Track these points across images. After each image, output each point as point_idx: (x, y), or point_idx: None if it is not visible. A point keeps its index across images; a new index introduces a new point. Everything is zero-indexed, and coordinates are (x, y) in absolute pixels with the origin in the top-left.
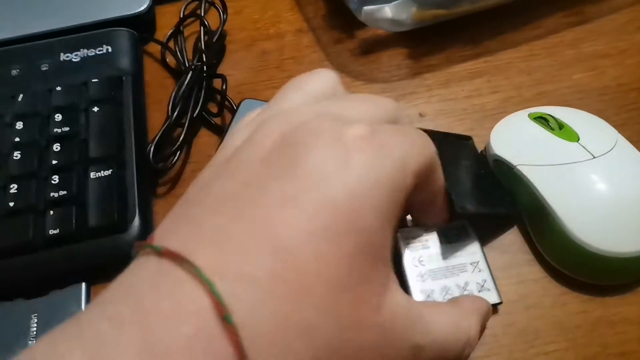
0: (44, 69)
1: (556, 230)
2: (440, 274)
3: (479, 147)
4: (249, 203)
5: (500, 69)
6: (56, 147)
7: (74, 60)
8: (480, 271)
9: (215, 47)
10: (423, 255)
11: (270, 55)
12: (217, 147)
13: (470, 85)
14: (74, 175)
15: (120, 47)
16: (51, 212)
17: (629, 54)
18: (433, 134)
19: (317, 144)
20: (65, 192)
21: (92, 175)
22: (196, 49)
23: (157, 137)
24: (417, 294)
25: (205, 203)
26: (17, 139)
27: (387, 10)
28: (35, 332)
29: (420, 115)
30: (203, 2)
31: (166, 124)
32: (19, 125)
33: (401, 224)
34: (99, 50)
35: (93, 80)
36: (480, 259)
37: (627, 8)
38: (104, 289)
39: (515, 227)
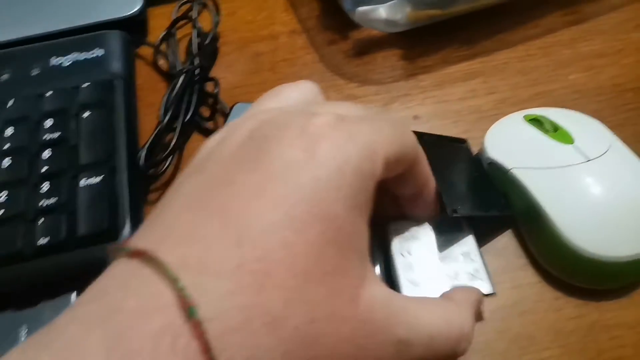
0: (35, 73)
1: (550, 234)
2: (430, 264)
3: (475, 150)
4: (216, 197)
5: (497, 70)
6: (46, 153)
7: (64, 64)
8: (472, 261)
9: (208, 49)
10: (412, 246)
11: (264, 57)
12: None
13: (465, 86)
14: (64, 182)
15: (111, 50)
16: (41, 221)
17: (625, 53)
18: (426, 137)
19: (282, 135)
20: (55, 200)
21: (83, 182)
22: (188, 52)
23: (149, 142)
24: (405, 285)
25: (176, 202)
26: (7, 145)
27: (382, 11)
28: None
29: (415, 117)
30: (195, 3)
31: (158, 129)
32: (9, 131)
33: (392, 217)
34: (90, 54)
35: (84, 84)
36: (472, 249)
37: (623, 7)
38: None
39: (509, 231)
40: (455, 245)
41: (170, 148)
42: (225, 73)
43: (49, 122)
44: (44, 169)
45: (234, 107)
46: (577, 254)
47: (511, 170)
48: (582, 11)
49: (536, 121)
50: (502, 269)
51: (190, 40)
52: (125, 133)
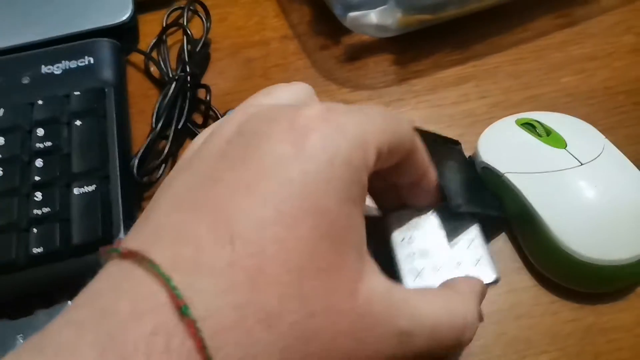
0: (25, 82)
1: (544, 238)
2: (432, 253)
3: (467, 154)
4: (206, 195)
5: (489, 73)
6: (38, 162)
7: (55, 72)
8: (475, 248)
9: (199, 56)
10: (413, 234)
11: (255, 63)
12: None
13: (458, 90)
14: (57, 191)
15: (102, 58)
16: (34, 230)
17: (617, 56)
18: (424, 134)
19: (270, 130)
20: (48, 209)
21: (76, 190)
22: (180, 59)
23: (142, 150)
24: (407, 274)
25: (165, 201)
26: None
27: (372, 16)
28: None
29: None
30: (186, 10)
31: (150, 136)
32: (0, 140)
33: (393, 207)
34: (81, 62)
35: (75, 92)
36: (475, 236)
37: (613, 10)
38: None
39: (504, 235)
40: (458, 233)
41: (163, 155)
42: (217, 79)
43: (40, 131)
44: (36, 178)
45: (227, 114)
46: (571, 257)
47: (505, 175)
48: (573, 14)
49: (529, 125)
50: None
51: (182, 46)
52: (118, 141)
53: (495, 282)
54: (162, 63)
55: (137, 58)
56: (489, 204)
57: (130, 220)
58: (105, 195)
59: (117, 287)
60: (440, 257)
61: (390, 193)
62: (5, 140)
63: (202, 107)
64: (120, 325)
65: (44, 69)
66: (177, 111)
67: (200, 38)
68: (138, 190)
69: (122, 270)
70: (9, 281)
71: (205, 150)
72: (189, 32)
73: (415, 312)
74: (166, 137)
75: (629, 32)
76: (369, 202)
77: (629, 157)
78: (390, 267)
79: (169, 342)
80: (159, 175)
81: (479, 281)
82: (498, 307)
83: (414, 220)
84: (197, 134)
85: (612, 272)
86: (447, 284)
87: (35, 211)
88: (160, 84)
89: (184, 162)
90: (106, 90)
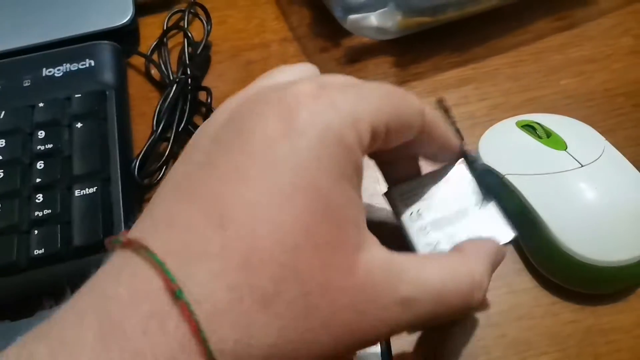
0: (26, 84)
1: (545, 239)
2: (444, 223)
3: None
4: (199, 181)
5: (488, 76)
6: (39, 164)
7: (56, 75)
8: (487, 210)
9: (200, 58)
10: (421, 207)
11: (256, 66)
12: None
13: (458, 92)
14: (58, 193)
15: (103, 60)
16: (35, 232)
17: (615, 58)
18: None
19: (260, 110)
20: (49, 211)
21: (77, 192)
22: (180, 61)
23: (142, 152)
24: (423, 248)
25: (164, 190)
26: (0, 158)
27: (373, 19)
28: None
29: None
30: (186, 13)
31: (151, 139)
32: (1, 143)
33: (393, 182)
34: (82, 65)
35: (76, 95)
36: (484, 197)
37: (612, 13)
38: None
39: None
40: (465, 197)
41: (164, 158)
42: (218, 82)
43: (41, 134)
44: (37, 181)
45: None
46: (572, 259)
47: (505, 176)
48: (572, 17)
49: (529, 127)
50: (498, 275)
51: (182, 49)
52: (119, 143)
53: (514, 241)
54: (162, 66)
55: (137, 61)
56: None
57: (131, 222)
58: (106, 197)
59: (117, 275)
60: (453, 225)
61: (404, 164)
62: (6, 143)
63: (203, 109)
64: (119, 309)
65: (45, 72)
66: (177, 113)
67: (201, 41)
68: (139, 192)
69: (122, 259)
70: (10, 283)
71: (201, 138)
72: (189, 34)
73: (417, 278)
74: (167, 140)
75: (627, 35)
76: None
77: (628, 159)
78: (404, 243)
79: (164, 325)
80: (159, 178)
81: (491, 241)
82: (498, 309)
83: (418, 192)
84: None
85: (612, 273)
86: (456, 247)
87: (36, 213)
88: (161, 86)
89: (184, 152)
90: (107, 92)
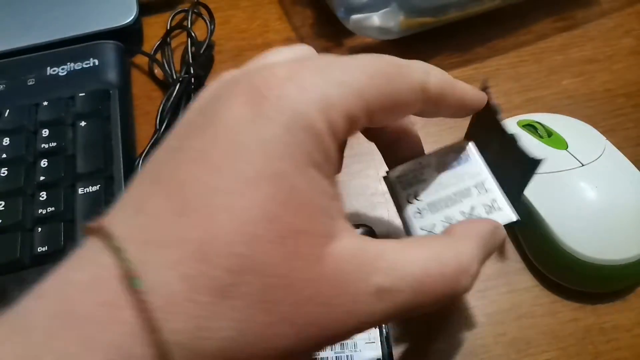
0: (30, 83)
1: (546, 238)
2: (441, 205)
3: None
4: (168, 166)
5: (489, 76)
6: (43, 163)
7: (60, 74)
8: (487, 191)
9: (203, 58)
10: (418, 189)
11: None
12: None
13: None
14: (62, 191)
15: (107, 60)
16: (39, 230)
17: (616, 59)
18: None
19: (231, 93)
20: (52, 209)
21: (80, 191)
22: (184, 61)
23: (145, 151)
24: (418, 232)
25: (141, 175)
26: (3, 156)
27: (375, 19)
28: None
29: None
30: (190, 12)
31: (154, 138)
32: (5, 141)
33: (394, 165)
34: (86, 64)
35: (80, 94)
36: (486, 178)
37: (612, 14)
38: None
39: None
40: (466, 178)
41: None
42: None
43: (45, 132)
44: (41, 179)
45: None
46: (572, 257)
47: None
48: (573, 18)
49: (530, 127)
50: (499, 274)
51: (185, 49)
52: (122, 142)
53: (516, 222)
54: (166, 65)
55: (141, 60)
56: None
57: None
58: (110, 196)
59: (78, 259)
60: (451, 207)
61: (405, 143)
62: (10, 141)
63: None
64: (76, 295)
65: (49, 71)
66: (181, 112)
67: (204, 40)
68: None
69: (87, 244)
70: (14, 280)
71: (180, 121)
72: (193, 34)
73: (395, 265)
74: None
75: (628, 35)
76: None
77: (629, 159)
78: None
79: (117, 314)
80: None
81: (485, 222)
82: (499, 308)
83: (417, 173)
84: None
85: (612, 271)
86: (446, 230)
87: (40, 211)
88: (165, 85)
89: (166, 136)
90: (111, 91)
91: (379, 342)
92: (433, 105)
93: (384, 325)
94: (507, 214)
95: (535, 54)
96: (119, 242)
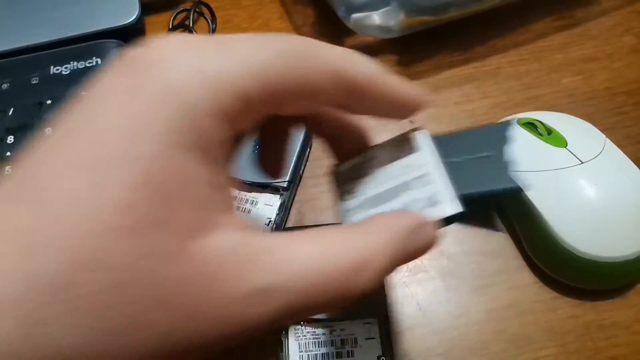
0: (34, 82)
1: (546, 235)
2: (376, 202)
3: None
4: (37, 149)
5: (490, 74)
6: None
7: (64, 73)
8: (428, 184)
9: None
10: (359, 184)
11: None
12: None
13: (460, 91)
14: None
15: (109, 58)
16: None
17: (616, 57)
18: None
19: (112, 68)
20: None
21: None
22: None
23: None
24: None
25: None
26: (7, 154)
27: (375, 18)
28: None
29: (411, 122)
30: (192, 12)
31: None
32: (10, 139)
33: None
34: (89, 63)
35: (83, 92)
36: (430, 170)
37: (612, 12)
38: None
39: (505, 233)
40: (408, 171)
41: None
42: None
43: (49, 131)
44: None
45: None
46: (572, 254)
47: None
48: (573, 16)
49: (530, 125)
50: (499, 270)
51: None
52: None
53: (457, 217)
54: None
55: None
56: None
57: None
58: None
59: None
60: (386, 204)
61: (351, 136)
62: (15, 139)
63: None
64: None
65: (53, 70)
66: None
67: None
68: None
69: None
70: None
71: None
72: (194, 33)
73: (282, 262)
74: None
75: (628, 34)
76: None
77: (629, 157)
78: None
79: None
80: None
81: (407, 216)
82: (499, 304)
83: (361, 166)
84: None
85: (612, 268)
86: (361, 223)
87: None
88: None
89: None
90: None
91: (379, 338)
92: (358, 97)
93: (383, 321)
94: (445, 208)
95: (535, 53)
96: None
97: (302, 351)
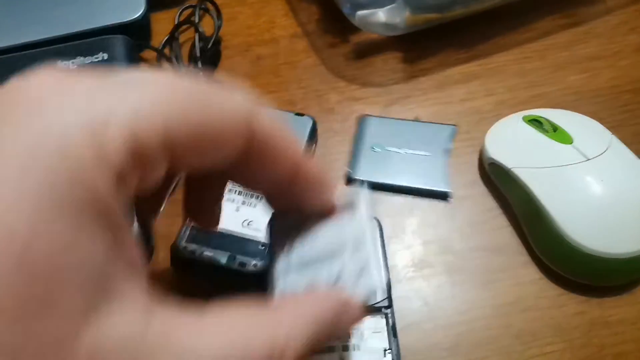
0: None
1: (552, 232)
2: (312, 263)
3: (474, 150)
4: None
5: (494, 72)
6: None
7: (71, 68)
8: (360, 252)
9: (210, 53)
10: (294, 241)
11: (265, 61)
12: None
13: (464, 88)
14: None
15: (116, 54)
16: None
17: (622, 55)
18: None
19: None
20: None
21: None
22: (191, 56)
23: None
24: (277, 294)
25: None
26: None
27: (381, 15)
28: None
29: (416, 118)
30: (197, 8)
31: None
32: None
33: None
34: (96, 58)
35: None
36: (363, 236)
37: (618, 10)
38: None
39: (511, 229)
40: (347, 232)
41: None
42: (228, 77)
43: None
44: None
45: None
46: (577, 250)
47: (512, 170)
48: (578, 15)
49: (536, 121)
50: (504, 267)
51: (193, 44)
52: None
53: (385, 300)
54: (174, 60)
55: (149, 55)
56: None
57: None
58: None
59: None
60: (320, 269)
61: (283, 192)
62: None
63: None
64: None
65: (60, 65)
66: None
67: (212, 36)
68: None
69: None
70: None
71: None
72: (200, 30)
73: (184, 350)
74: None
75: (634, 32)
76: None
77: (637, 154)
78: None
79: None
80: None
81: (328, 299)
82: (505, 300)
83: (300, 225)
84: None
85: (618, 265)
86: (278, 303)
87: None
88: None
89: None
90: None
91: (385, 332)
92: (257, 153)
93: (389, 315)
94: (368, 288)
95: (540, 51)
96: None
97: None
